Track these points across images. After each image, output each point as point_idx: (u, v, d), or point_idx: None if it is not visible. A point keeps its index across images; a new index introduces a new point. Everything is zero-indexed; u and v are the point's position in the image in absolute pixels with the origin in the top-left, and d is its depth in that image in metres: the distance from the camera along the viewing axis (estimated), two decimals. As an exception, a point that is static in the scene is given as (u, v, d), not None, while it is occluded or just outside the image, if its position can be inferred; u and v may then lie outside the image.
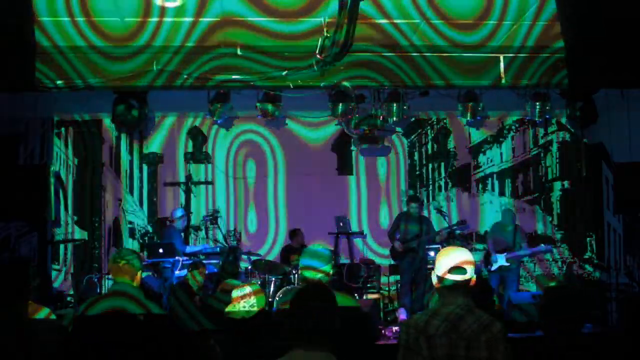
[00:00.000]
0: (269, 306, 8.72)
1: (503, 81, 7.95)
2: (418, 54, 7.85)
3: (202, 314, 6.73)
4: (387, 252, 10.01)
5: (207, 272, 7.88)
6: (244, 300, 4.38)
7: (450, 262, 3.24)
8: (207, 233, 10.80)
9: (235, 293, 4.50)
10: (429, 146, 11.31)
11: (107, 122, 10.37)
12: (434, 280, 3.30)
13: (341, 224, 10.28)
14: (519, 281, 9.77)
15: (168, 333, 4.04)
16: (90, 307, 4.09)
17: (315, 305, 2.92)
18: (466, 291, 3.23)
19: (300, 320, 2.89)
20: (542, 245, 9.98)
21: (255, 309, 4.21)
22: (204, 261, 8.95)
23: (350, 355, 3.03)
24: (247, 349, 4.05)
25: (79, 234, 10.55)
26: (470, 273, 3.24)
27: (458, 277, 3.22)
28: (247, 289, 4.49)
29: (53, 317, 4.46)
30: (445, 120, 11.20)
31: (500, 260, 9.29)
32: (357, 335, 4.00)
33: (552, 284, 5.56)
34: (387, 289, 10.21)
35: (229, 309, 4.48)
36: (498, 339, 3.11)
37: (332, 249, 9.98)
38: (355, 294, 9.04)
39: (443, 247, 9.70)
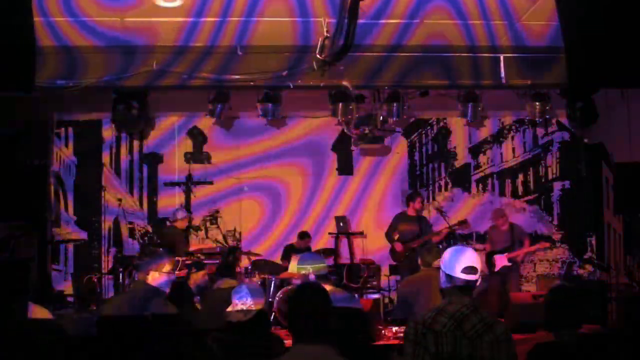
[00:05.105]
0: (268, 306, 8.73)
1: (503, 81, 7.94)
2: (418, 54, 7.84)
3: (197, 315, 6.73)
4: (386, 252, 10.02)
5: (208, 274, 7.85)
6: (242, 302, 4.36)
7: (464, 262, 3.27)
8: (207, 233, 10.79)
9: (234, 296, 4.48)
10: (429, 146, 11.31)
11: (107, 122, 10.38)
12: (443, 278, 3.32)
13: (341, 224, 10.28)
14: (519, 281, 9.78)
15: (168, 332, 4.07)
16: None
17: (311, 302, 3.08)
18: (472, 291, 3.26)
19: (298, 317, 3.06)
20: (541, 242, 10.02)
21: (253, 309, 4.21)
22: (204, 261, 8.95)
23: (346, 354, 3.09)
24: (244, 347, 4.05)
25: (79, 234, 10.56)
26: (479, 273, 3.28)
27: (470, 277, 3.25)
28: (244, 290, 4.47)
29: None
30: (445, 120, 11.21)
31: (502, 261, 9.30)
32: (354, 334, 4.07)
33: (556, 283, 5.57)
34: (387, 289, 10.23)
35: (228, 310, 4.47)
36: (502, 340, 3.15)
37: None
38: (356, 294, 9.05)
39: (444, 247, 9.76)
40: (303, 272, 4.53)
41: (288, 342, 7.09)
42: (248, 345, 4.01)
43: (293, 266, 4.62)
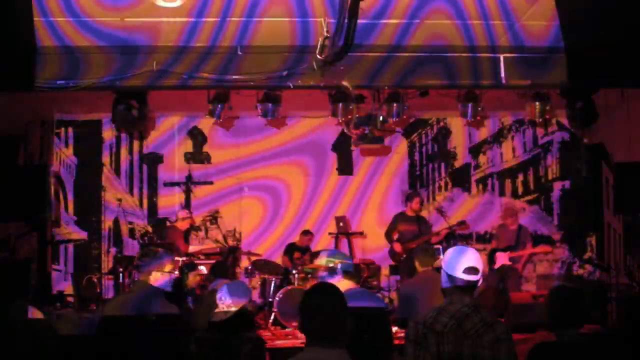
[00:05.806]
0: (268, 306, 8.73)
1: (503, 81, 7.93)
2: (418, 54, 7.83)
3: (192, 315, 6.74)
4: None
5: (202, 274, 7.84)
6: (221, 301, 4.36)
7: (466, 262, 3.28)
8: (207, 233, 10.80)
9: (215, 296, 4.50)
10: (429, 146, 11.32)
11: (107, 122, 10.38)
12: (444, 278, 3.32)
13: (341, 224, 10.28)
14: (520, 281, 9.78)
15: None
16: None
17: (326, 305, 2.97)
18: (473, 291, 3.27)
19: (313, 319, 2.94)
20: (542, 244, 10.02)
21: (233, 309, 4.20)
22: (204, 262, 8.96)
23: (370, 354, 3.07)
24: (226, 347, 4.05)
25: (79, 234, 10.56)
26: (481, 273, 3.29)
27: (471, 278, 3.26)
28: (224, 289, 4.47)
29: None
30: (445, 120, 11.21)
31: (503, 259, 9.31)
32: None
33: (557, 283, 5.59)
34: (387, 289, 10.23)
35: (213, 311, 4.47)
36: (502, 339, 3.16)
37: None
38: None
39: (444, 247, 9.76)
40: (331, 265, 4.55)
41: (279, 343, 7.11)
42: (230, 345, 4.01)
43: (322, 258, 4.63)
